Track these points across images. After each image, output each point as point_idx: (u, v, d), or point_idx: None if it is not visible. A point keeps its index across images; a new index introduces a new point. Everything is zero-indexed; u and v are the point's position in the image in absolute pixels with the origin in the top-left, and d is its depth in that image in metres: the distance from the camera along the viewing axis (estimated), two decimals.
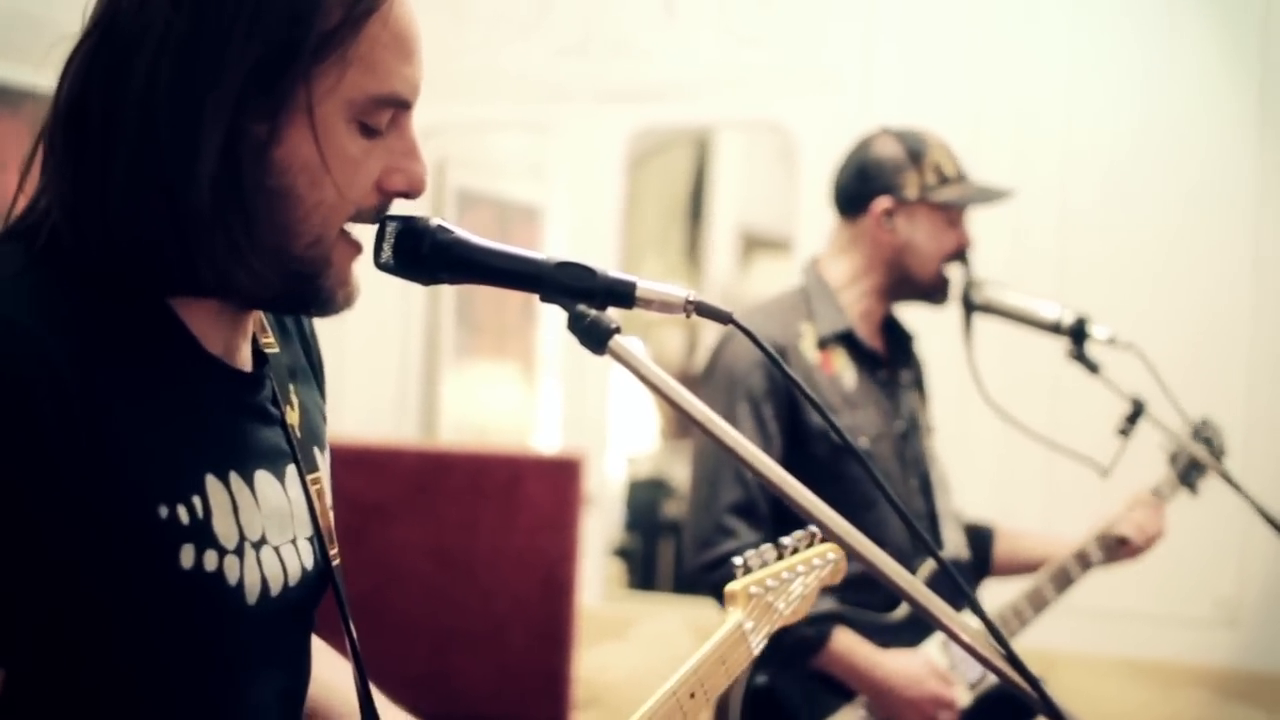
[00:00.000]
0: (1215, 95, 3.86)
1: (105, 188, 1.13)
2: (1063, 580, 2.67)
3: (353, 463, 2.83)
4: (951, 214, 2.65)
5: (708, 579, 2.51)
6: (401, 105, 1.18)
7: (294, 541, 1.26)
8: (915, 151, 2.64)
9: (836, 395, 2.61)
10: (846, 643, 2.50)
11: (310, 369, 1.41)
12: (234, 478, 1.19)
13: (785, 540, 1.56)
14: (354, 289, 1.22)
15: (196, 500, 1.15)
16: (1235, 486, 2.48)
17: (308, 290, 1.20)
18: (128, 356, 1.13)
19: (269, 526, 1.22)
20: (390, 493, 2.81)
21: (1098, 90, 3.95)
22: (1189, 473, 2.73)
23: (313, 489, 1.30)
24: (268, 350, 1.30)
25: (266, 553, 1.22)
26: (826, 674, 2.53)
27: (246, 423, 1.24)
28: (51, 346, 1.07)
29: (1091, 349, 2.65)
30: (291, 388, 1.33)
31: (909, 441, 2.71)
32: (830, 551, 1.62)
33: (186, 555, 1.13)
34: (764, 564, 1.59)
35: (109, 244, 1.13)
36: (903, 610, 2.59)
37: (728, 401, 2.54)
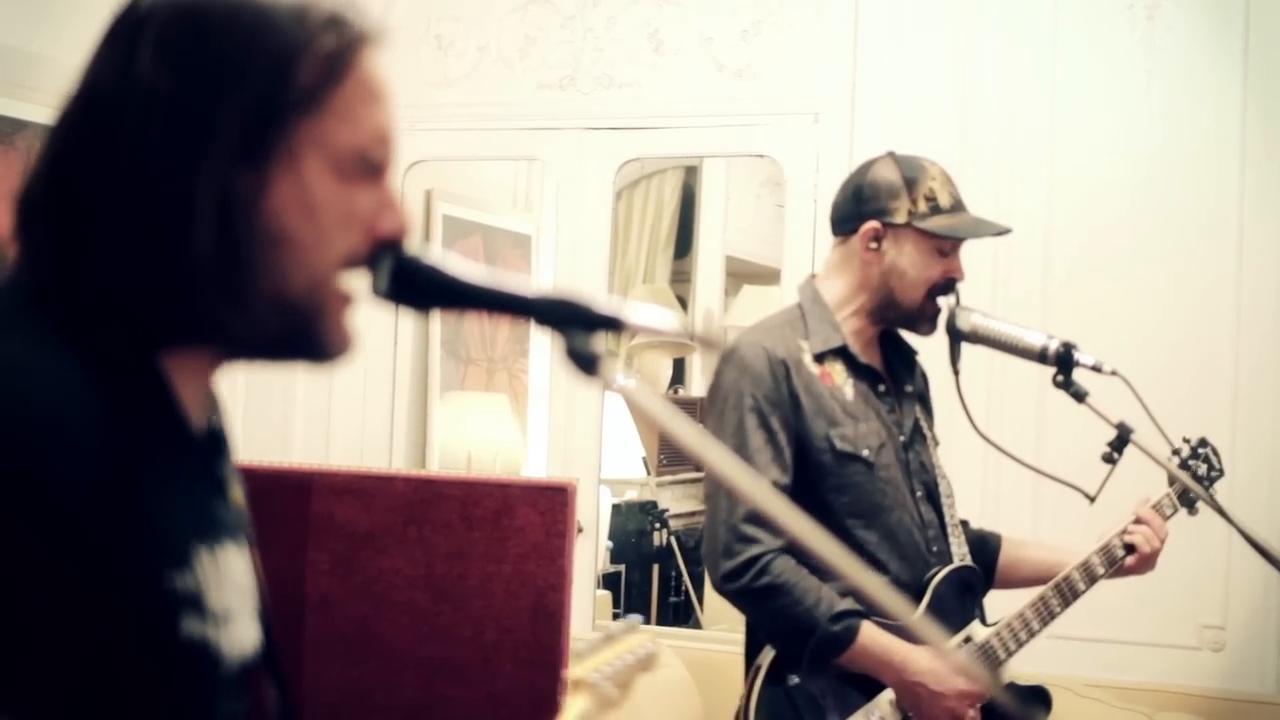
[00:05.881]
0: (1198, 127, 3.90)
1: (97, 252, 1.13)
2: (1069, 592, 2.68)
3: (342, 491, 2.83)
4: (943, 244, 2.66)
5: (732, 586, 2.55)
6: (376, 164, 1.20)
7: (249, 616, 1.26)
8: (910, 178, 2.66)
9: (838, 406, 2.64)
10: (875, 636, 2.53)
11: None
12: (216, 548, 1.20)
13: (613, 629, 1.59)
14: (351, 337, 1.22)
15: (193, 568, 1.15)
16: (1222, 513, 2.50)
17: (305, 334, 1.20)
18: (133, 421, 1.13)
19: (235, 600, 1.22)
20: (379, 521, 2.81)
21: (1081, 125, 3.99)
22: (1186, 493, 2.75)
23: (255, 563, 1.31)
24: (216, 418, 1.29)
25: (238, 625, 1.22)
26: (852, 673, 2.55)
27: (212, 492, 1.25)
28: (80, 416, 1.07)
29: (1078, 376, 2.67)
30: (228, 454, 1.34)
31: (913, 452, 2.73)
32: (649, 643, 1.63)
33: (187, 624, 1.14)
34: (594, 651, 1.60)
35: (102, 306, 1.13)
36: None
37: (737, 420, 2.57)
